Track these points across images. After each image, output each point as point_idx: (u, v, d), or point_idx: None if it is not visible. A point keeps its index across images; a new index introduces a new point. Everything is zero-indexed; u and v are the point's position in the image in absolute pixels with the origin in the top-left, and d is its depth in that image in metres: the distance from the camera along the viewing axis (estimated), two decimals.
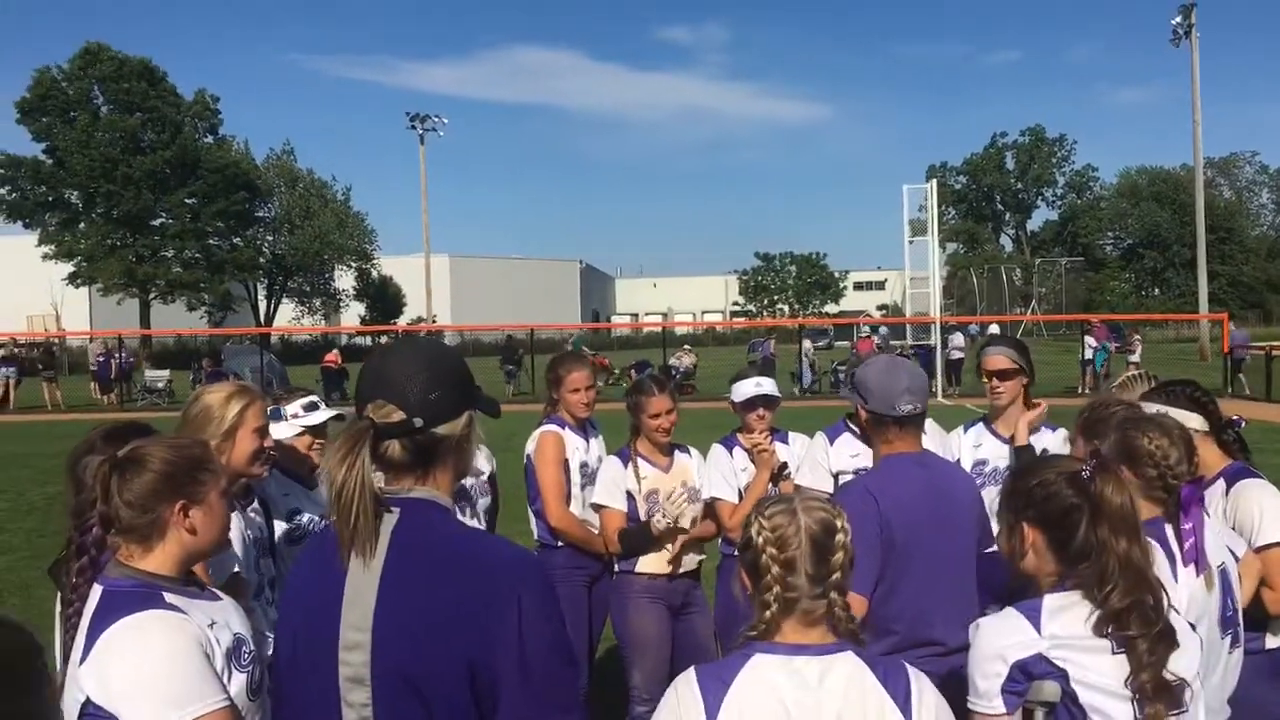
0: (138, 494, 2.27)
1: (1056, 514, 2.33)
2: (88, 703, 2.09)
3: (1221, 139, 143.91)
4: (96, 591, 2.22)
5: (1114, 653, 2.22)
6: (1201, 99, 43.93)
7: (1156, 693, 2.19)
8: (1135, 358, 29.28)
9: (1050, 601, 2.30)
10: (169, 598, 2.23)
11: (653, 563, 4.78)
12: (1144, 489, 2.72)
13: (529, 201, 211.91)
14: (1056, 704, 2.23)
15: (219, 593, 2.48)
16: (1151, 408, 3.19)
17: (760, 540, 2.15)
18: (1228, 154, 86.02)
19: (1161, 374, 4.15)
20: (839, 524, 2.15)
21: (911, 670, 2.15)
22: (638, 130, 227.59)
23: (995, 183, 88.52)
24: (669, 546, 4.74)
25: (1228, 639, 2.82)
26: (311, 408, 3.84)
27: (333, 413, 3.90)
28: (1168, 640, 2.23)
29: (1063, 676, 2.22)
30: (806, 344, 33.06)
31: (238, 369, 31.07)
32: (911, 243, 34.86)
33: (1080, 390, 27.46)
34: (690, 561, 4.85)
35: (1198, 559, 2.73)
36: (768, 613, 2.12)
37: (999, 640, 2.27)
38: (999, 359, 4.56)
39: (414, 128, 57.64)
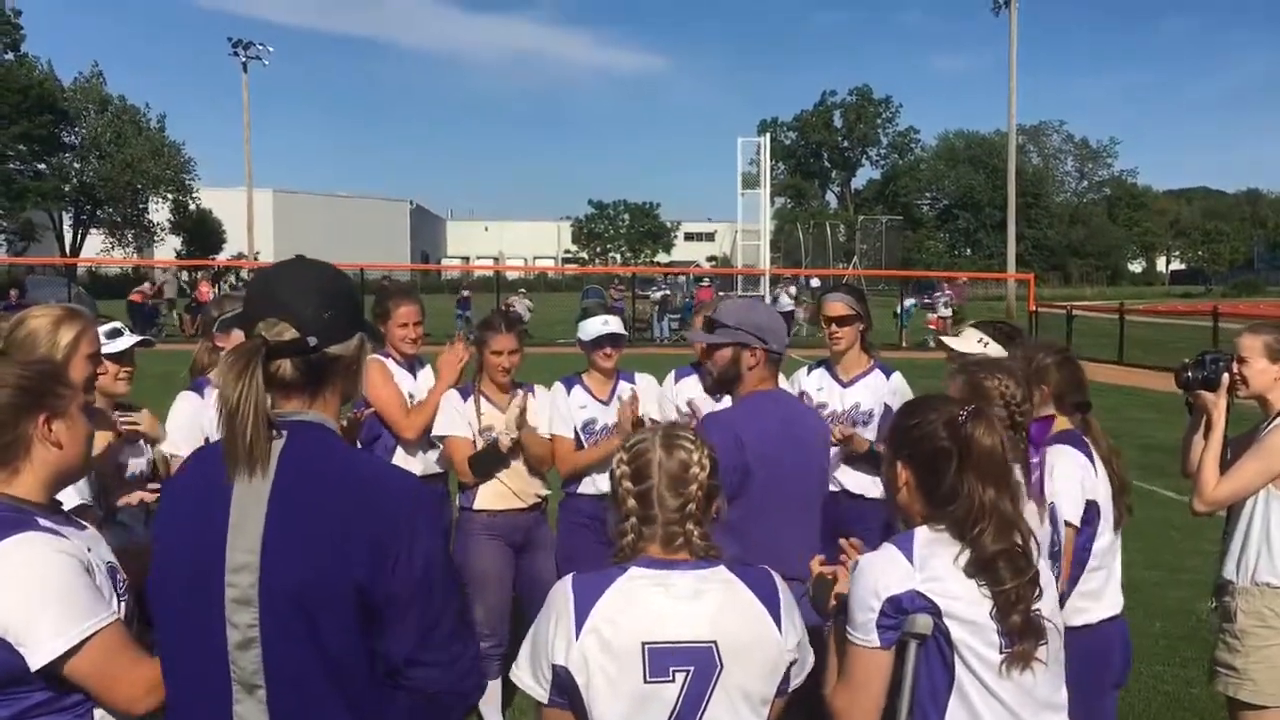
0: None
1: (927, 456, 2.37)
2: None
3: (1033, 108, 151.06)
4: None
5: (979, 587, 2.27)
6: (1018, 68, 45.99)
7: (1025, 632, 2.26)
8: (945, 313, 30.78)
9: (922, 534, 2.35)
10: (42, 522, 2.14)
11: (491, 499, 4.76)
12: None
13: (358, 139, 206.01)
14: (928, 636, 2.28)
15: (84, 522, 2.37)
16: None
17: (619, 473, 2.26)
18: (1038, 122, 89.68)
19: None
20: (696, 458, 2.24)
21: (774, 575, 2.29)
22: (472, 72, 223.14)
23: (823, 140, 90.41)
24: (509, 478, 4.75)
25: (1055, 571, 3.01)
26: (114, 334, 3.70)
27: (136, 339, 3.78)
28: (1035, 583, 2.29)
29: (935, 611, 2.26)
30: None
31: (44, 301, 29.35)
32: (743, 195, 35.46)
33: (900, 343, 28.69)
34: (530, 496, 4.86)
35: (1040, 494, 2.94)
36: (624, 540, 2.24)
37: (875, 577, 2.30)
38: (837, 305, 4.77)
39: (237, 54, 54.57)
